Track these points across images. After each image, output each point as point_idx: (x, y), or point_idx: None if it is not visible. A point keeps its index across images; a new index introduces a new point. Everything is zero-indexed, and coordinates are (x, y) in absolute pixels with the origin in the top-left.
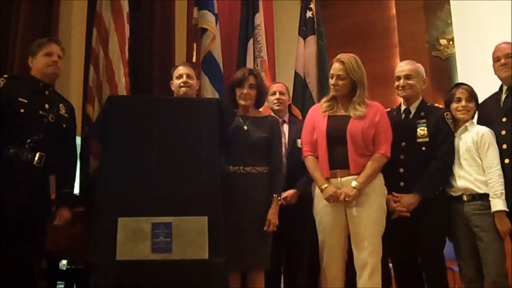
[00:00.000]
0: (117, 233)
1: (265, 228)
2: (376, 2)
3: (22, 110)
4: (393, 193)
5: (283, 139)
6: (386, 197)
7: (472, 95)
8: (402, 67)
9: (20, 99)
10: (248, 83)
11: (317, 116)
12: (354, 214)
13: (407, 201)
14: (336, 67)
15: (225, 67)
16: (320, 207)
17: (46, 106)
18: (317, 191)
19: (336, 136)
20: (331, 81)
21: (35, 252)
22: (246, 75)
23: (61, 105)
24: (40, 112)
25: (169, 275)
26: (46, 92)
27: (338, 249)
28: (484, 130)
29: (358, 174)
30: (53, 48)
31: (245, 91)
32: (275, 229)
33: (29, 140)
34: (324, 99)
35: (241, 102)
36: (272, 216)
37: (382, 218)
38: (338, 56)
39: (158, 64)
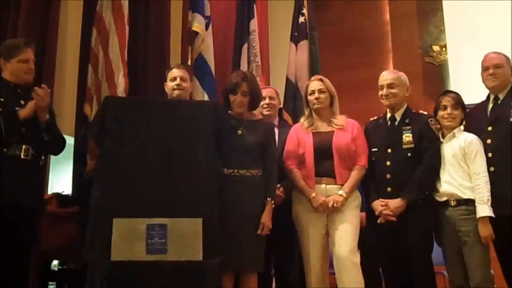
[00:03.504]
0: (112, 233)
1: (258, 232)
2: (369, 7)
3: (0, 110)
4: (380, 199)
5: None
6: (374, 201)
7: (458, 102)
8: (385, 76)
9: None
10: (241, 90)
11: (301, 133)
12: (336, 219)
13: (394, 205)
14: (315, 84)
15: (220, 71)
16: (302, 214)
17: (22, 102)
18: (297, 198)
19: (323, 150)
20: (313, 96)
21: (28, 246)
22: (239, 82)
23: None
24: (17, 108)
25: (163, 275)
26: (18, 90)
27: (322, 253)
28: (472, 137)
29: (342, 184)
30: (29, 55)
31: (238, 99)
32: (268, 232)
33: (13, 136)
34: (303, 118)
35: (235, 109)
36: (266, 219)
37: (359, 224)
38: (312, 78)
39: (153, 66)
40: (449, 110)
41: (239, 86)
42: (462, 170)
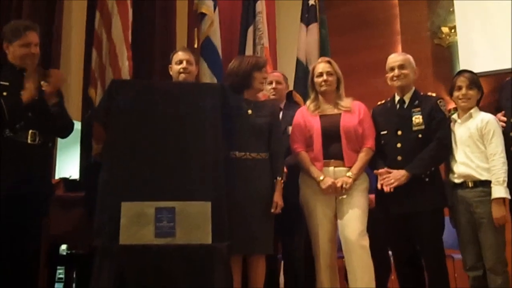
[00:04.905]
0: (120, 217)
1: (272, 210)
2: None
3: (5, 93)
4: (386, 168)
5: None
6: (380, 170)
7: (473, 82)
8: (395, 58)
9: (1, 82)
10: (267, 67)
11: (308, 116)
12: (345, 202)
13: (396, 175)
14: (324, 66)
15: (226, 54)
16: (310, 197)
17: (27, 85)
18: (304, 181)
19: (331, 132)
20: (321, 79)
21: (36, 233)
22: (266, 60)
23: (42, 82)
24: (22, 92)
25: (172, 259)
26: (24, 74)
27: (330, 236)
28: (489, 117)
29: (350, 167)
30: (30, 38)
31: (266, 75)
32: (280, 211)
33: (19, 121)
34: (309, 101)
35: (261, 86)
36: (279, 198)
37: (367, 207)
38: (319, 59)
39: (159, 49)
40: (464, 90)
41: (266, 64)
42: (479, 151)
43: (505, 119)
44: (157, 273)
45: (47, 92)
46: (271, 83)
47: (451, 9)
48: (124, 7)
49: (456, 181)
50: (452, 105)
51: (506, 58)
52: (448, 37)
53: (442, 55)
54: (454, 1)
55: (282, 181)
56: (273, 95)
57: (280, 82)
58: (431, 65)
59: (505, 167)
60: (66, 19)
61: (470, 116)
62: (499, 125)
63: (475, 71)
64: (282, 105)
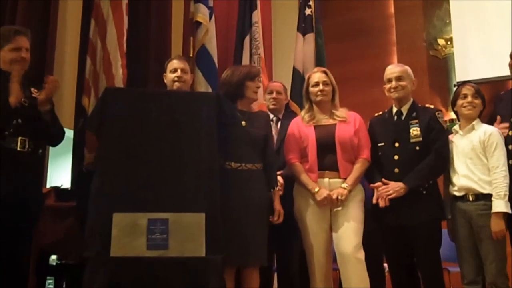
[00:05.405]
0: (111, 228)
1: (275, 219)
2: None
3: None
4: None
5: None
6: (376, 184)
7: (478, 92)
8: (392, 69)
9: None
10: (260, 77)
11: (303, 126)
12: (340, 215)
13: (394, 187)
14: (320, 75)
15: (222, 63)
16: (305, 209)
17: (12, 87)
18: (299, 193)
19: (326, 143)
20: (317, 88)
21: (25, 242)
22: (260, 70)
23: (32, 88)
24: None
25: (164, 272)
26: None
27: (325, 248)
28: (492, 129)
29: (345, 178)
30: (20, 43)
31: (260, 84)
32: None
33: (8, 127)
34: (303, 111)
35: (254, 96)
36: (279, 206)
37: (363, 220)
38: (315, 69)
39: (154, 58)
40: (469, 98)
41: (260, 73)
42: (482, 163)
43: (506, 125)
44: (151, 284)
45: (40, 99)
46: (271, 92)
47: (447, 21)
48: (119, 14)
49: (457, 193)
50: (448, 117)
51: (503, 66)
52: (444, 49)
53: (438, 65)
54: (451, 4)
55: (279, 190)
56: (273, 105)
57: (280, 92)
58: (426, 75)
59: (507, 181)
60: (60, 26)
61: (473, 128)
62: (502, 138)
63: (471, 79)
64: (280, 116)
